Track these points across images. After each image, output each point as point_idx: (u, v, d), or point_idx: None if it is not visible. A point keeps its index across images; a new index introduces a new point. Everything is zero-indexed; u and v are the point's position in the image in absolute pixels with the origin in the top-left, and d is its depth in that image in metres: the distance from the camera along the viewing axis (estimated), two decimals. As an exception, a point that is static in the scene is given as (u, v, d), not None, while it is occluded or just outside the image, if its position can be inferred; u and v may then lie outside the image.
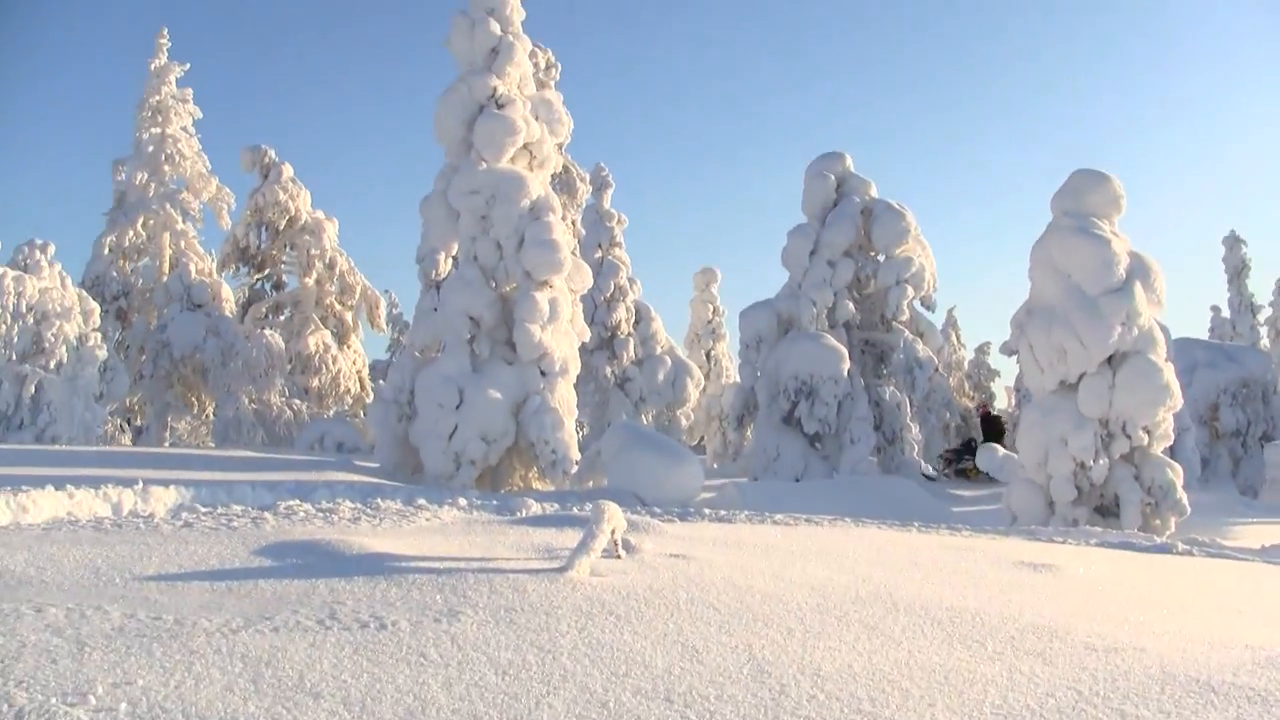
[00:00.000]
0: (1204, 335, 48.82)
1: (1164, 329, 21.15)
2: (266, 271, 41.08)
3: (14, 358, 29.11)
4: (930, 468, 35.80)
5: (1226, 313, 53.76)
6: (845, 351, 30.98)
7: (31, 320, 29.33)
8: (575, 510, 15.01)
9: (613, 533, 9.90)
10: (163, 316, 37.67)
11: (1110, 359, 20.37)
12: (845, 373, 30.53)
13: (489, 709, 5.32)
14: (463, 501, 15.97)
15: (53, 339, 29.51)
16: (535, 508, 15.76)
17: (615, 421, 31.43)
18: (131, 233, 39.40)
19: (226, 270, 40.46)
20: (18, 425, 28.47)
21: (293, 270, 40.59)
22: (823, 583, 9.28)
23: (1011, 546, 13.56)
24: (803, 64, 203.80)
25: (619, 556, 9.96)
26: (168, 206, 39.71)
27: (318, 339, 39.01)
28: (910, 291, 32.82)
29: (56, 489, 13.73)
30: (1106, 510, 20.72)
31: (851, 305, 32.94)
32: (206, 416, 39.32)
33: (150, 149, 39.81)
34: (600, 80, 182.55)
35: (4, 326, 28.65)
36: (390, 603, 7.61)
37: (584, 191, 41.08)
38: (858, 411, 31.12)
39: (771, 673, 6.20)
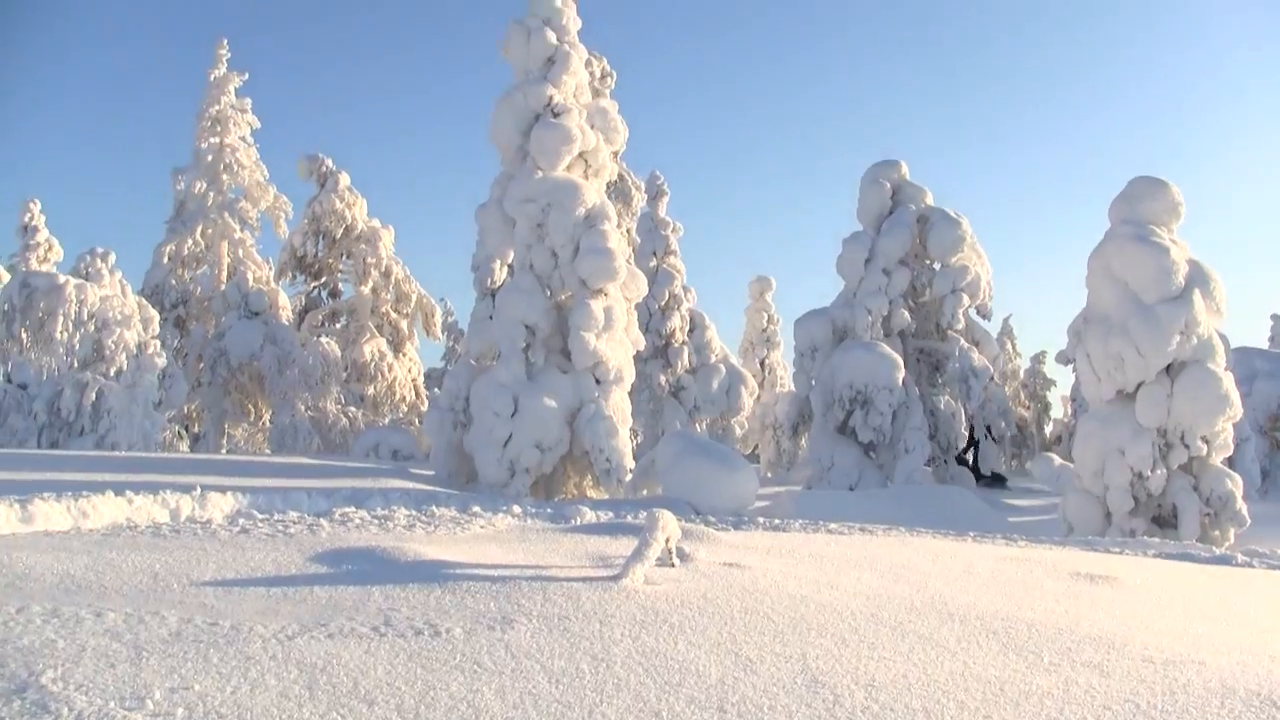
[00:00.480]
0: (1264, 344, 48.20)
1: (1223, 338, 20.96)
2: (323, 279, 41.43)
3: (75, 365, 29.50)
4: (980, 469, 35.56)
5: (1289, 321, 52.92)
6: (900, 360, 30.83)
7: (93, 328, 29.72)
8: (629, 518, 15.02)
9: (667, 541, 9.90)
10: (221, 324, 38.02)
11: (1169, 368, 20.18)
12: (900, 381, 30.37)
13: (542, 717, 5.32)
14: (517, 509, 15.99)
15: (113, 346, 29.87)
16: (589, 515, 15.76)
17: (670, 430, 31.42)
18: (190, 241, 39.87)
19: (284, 278, 40.79)
20: (79, 431, 28.83)
21: (349, 278, 40.91)
22: (877, 592, 9.23)
23: (1068, 557, 13.42)
24: (860, 71, 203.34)
25: (673, 565, 9.95)
26: (226, 215, 40.15)
27: (373, 347, 39.25)
28: (966, 300, 32.65)
29: (116, 495, 13.86)
30: (1164, 521, 20.52)
31: (907, 314, 32.80)
32: (263, 424, 39.64)
33: (209, 158, 40.22)
34: (657, 88, 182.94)
35: (66, 334, 29.04)
36: (444, 610, 7.64)
37: (639, 199, 41.16)
38: (912, 421, 30.94)
39: (825, 683, 6.18)
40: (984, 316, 34.47)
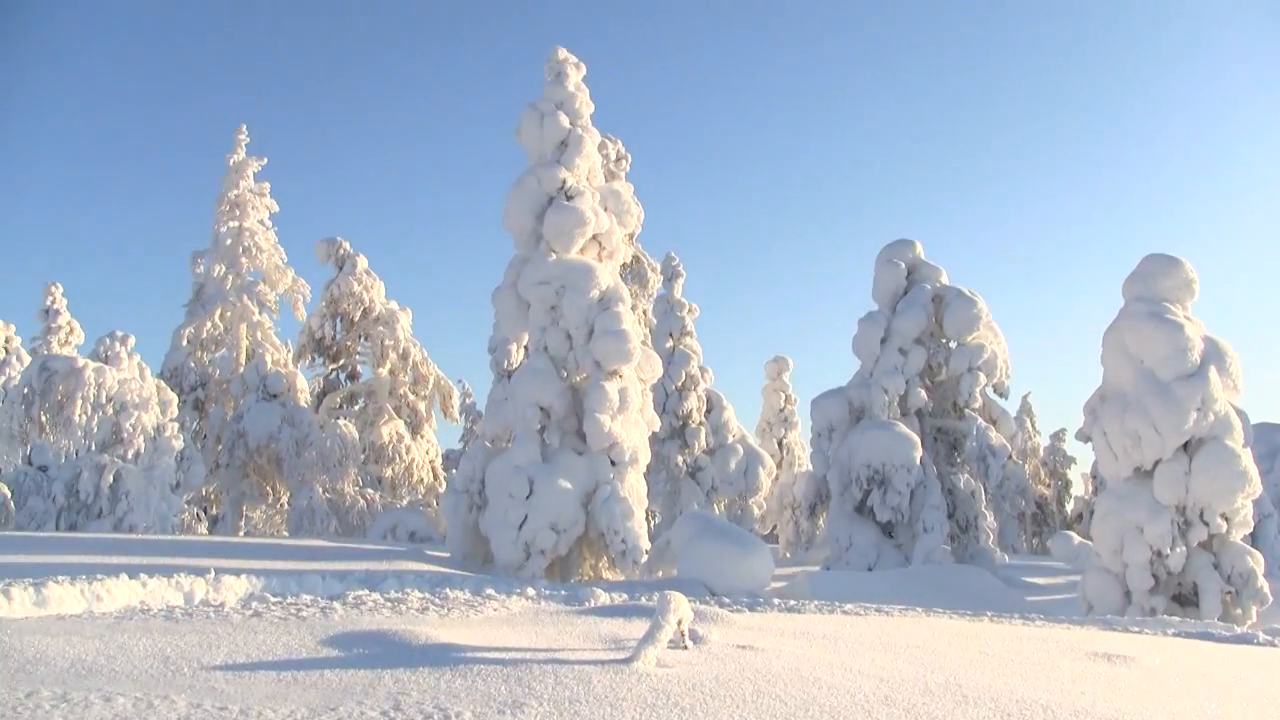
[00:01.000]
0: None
1: (1242, 414, 20.88)
2: (341, 362, 41.60)
3: (94, 447, 29.62)
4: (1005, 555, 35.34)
5: (1309, 396, 52.77)
6: (917, 439, 30.74)
7: (111, 411, 29.87)
8: (644, 600, 14.97)
9: (679, 623, 9.87)
10: (239, 406, 38.17)
11: (1186, 445, 20.11)
12: (918, 461, 30.25)
13: (548, 802, 5.30)
14: (531, 591, 15.97)
15: (131, 429, 30.00)
16: (604, 598, 15.71)
17: (686, 511, 31.34)
18: (209, 324, 40.17)
19: (302, 361, 40.96)
20: (97, 514, 28.88)
21: (367, 360, 41.06)
22: (891, 674, 9.18)
23: (1086, 637, 13.33)
24: (872, 150, 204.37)
25: (685, 647, 9.92)
26: (245, 298, 40.43)
27: (391, 429, 39.34)
28: (983, 378, 32.59)
29: (130, 577, 13.89)
30: (1185, 599, 20.35)
31: (923, 393, 32.74)
32: (281, 506, 39.66)
33: (228, 242, 40.59)
34: (674, 170, 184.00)
35: (84, 416, 29.20)
36: (454, 694, 7.62)
37: (655, 281, 41.34)
38: (930, 500, 30.79)
39: (835, 767, 6.14)
40: (1001, 394, 34.38)
